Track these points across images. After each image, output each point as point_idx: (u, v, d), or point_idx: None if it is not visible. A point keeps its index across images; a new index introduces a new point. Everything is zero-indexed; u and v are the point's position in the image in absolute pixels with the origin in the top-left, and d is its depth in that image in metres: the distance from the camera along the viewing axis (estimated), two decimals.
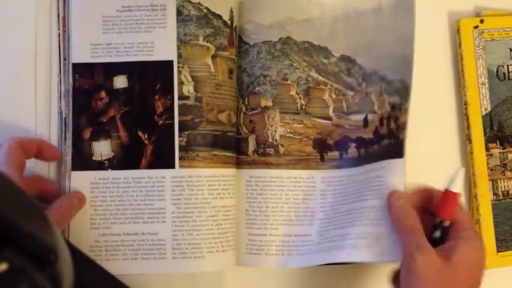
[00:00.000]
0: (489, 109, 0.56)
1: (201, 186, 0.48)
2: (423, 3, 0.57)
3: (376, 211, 0.46)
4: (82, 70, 0.49)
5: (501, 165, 0.56)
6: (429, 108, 0.57)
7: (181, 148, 0.49)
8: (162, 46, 0.50)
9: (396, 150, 0.48)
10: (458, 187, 0.44)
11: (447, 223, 0.44)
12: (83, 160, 0.49)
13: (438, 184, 0.56)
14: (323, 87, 0.53)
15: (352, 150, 0.51)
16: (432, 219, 0.45)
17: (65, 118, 0.49)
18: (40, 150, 0.46)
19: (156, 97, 0.49)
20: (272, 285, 0.53)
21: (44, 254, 0.26)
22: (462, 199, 0.57)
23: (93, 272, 0.43)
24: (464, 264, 0.40)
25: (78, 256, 0.42)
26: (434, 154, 0.56)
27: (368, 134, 0.51)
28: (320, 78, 0.53)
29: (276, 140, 0.52)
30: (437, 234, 0.44)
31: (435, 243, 0.43)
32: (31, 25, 0.49)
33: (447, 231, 0.44)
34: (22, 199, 0.27)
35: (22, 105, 0.49)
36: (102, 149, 0.49)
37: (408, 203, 0.44)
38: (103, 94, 0.50)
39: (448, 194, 0.44)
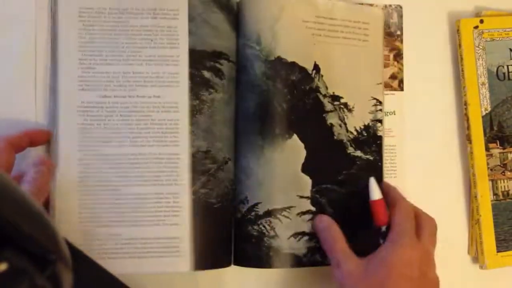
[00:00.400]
0: (489, 109, 0.56)
1: None
2: (423, 2, 0.57)
3: None
4: None
5: (501, 165, 0.56)
6: (429, 108, 0.57)
7: None
8: None
9: None
10: (377, 194, 0.47)
11: (383, 228, 0.47)
12: None
13: (438, 183, 0.57)
14: None
15: None
16: None
17: None
18: (30, 140, 0.46)
19: None
20: (273, 285, 0.53)
21: (44, 254, 0.26)
22: (462, 200, 0.57)
23: (92, 271, 0.43)
24: (384, 265, 0.43)
25: (77, 255, 0.42)
26: (434, 154, 0.57)
27: None
28: None
29: None
30: (381, 241, 0.46)
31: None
32: (31, 25, 0.49)
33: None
34: (22, 199, 0.27)
35: (22, 105, 0.49)
36: None
37: (330, 223, 0.47)
38: None
39: (372, 204, 0.47)
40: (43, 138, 0.48)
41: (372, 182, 0.48)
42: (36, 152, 0.47)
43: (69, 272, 0.28)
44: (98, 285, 0.43)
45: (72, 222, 0.46)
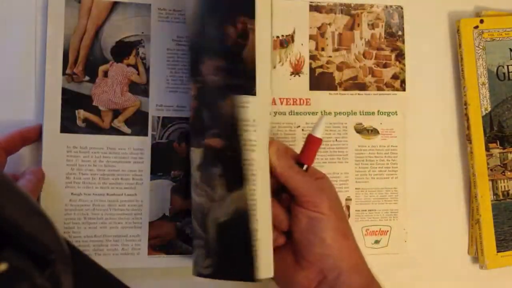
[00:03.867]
0: (489, 109, 0.56)
1: None
2: (423, 3, 0.57)
3: None
4: None
5: (501, 165, 0.56)
6: (429, 108, 0.57)
7: None
8: None
9: None
10: (320, 133, 0.45)
11: (305, 167, 0.45)
12: None
13: (438, 183, 0.57)
14: None
15: None
16: None
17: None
18: (22, 139, 0.46)
19: None
20: (272, 285, 0.53)
21: (44, 254, 0.26)
22: (462, 200, 0.57)
23: (92, 271, 0.43)
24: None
25: (77, 255, 0.42)
26: (434, 154, 0.57)
27: None
28: None
29: None
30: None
31: None
32: (31, 25, 0.49)
33: None
34: (22, 199, 0.27)
35: (22, 105, 0.49)
36: None
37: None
38: None
39: (310, 139, 0.45)
40: (35, 135, 0.47)
41: (323, 120, 0.45)
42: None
43: (69, 272, 0.28)
44: (98, 285, 0.43)
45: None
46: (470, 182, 0.56)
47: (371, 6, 0.55)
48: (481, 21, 0.56)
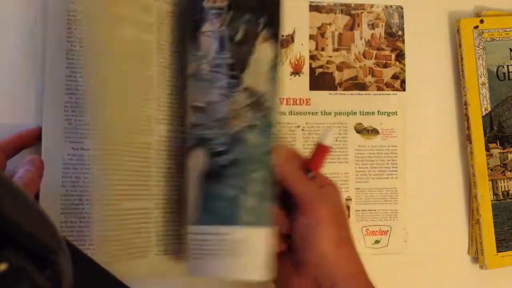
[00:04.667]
0: (489, 109, 0.56)
1: None
2: (423, 3, 0.57)
3: None
4: None
5: (501, 165, 0.56)
6: (429, 108, 0.57)
7: None
8: None
9: None
10: (328, 141, 0.45)
11: (312, 174, 0.45)
12: None
13: (438, 183, 0.57)
14: None
15: None
16: None
17: None
18: (22, 142, 0.46)
19: None
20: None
21: (44, 254, 0.26)
22: (462, 200, 0.57)
23: (92, 271, 0.43)
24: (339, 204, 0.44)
25: (77, 255, 0.42)
26: (434, 154, 0.57)
27: None
28: None
29: None
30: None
31: None
32: (31, 25, 0.49)
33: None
34: (22, 199, 0.27)
35: (21, 106, 0.49)
36: None
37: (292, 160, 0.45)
38: None
39: (318, 147, 0.45)
40: (35, 137, 0.47)
41: (331, 130, 0.48)
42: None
43: (69, 272, 0.28)
44: (98, 285, 0.43)
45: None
46: (470, 182, 0.56)
47: (371, 6, 0.55)
48: (481, 21, 0.56)
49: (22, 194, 0.27)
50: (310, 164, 0.45)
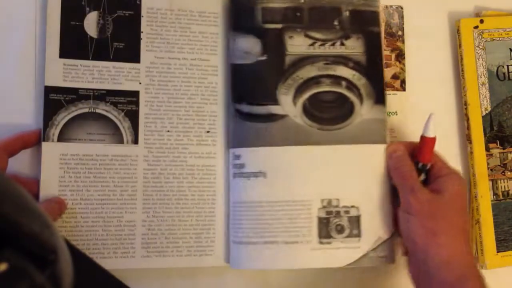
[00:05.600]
0: (489, 109, 0.56)
1: None
2: (423, 3, 0.57)
3: None
4: None
5: (501, 165, 0.56)
6: (429, 108, 0.57)
7: None
8: None
9: None
10: (432, 131, 0.48)
11: (428, 166, 0.48)
12: None
13: None
14: None
15: None
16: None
17: None
18: (23, 143, 0.47)
19: None
20: (273, 285, 0.53)
21: (44, 254, 0.26)
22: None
23: (92, 271, 0.43)
24: (451, 194, 0.46)
25: (77, 255, 0.42)
26: None
27: None
28: None
29: None
30: (422, 177, 0.48)
31: (423, 185, 0.48)
32: (31, 25, 0.49)
33: (429, 173, 0.49)
34: (22, 199, 0.27)
35: (21, 106, 0.49)
36: None
37: (405, 154, 0.49)
38: None
39: (424, 140, 0.48)
40: (35, 139, 0.48)
41: (432, 118, 0.48)
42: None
43: (69, 272, 0.28)
44: (98, 285, 0.43)
45: None
46: (470, 182, 0.56)
47: None
48: (481, 21, 0.56)
49: (22, 195, 0.27)
50: (421, 158, 0.48)
